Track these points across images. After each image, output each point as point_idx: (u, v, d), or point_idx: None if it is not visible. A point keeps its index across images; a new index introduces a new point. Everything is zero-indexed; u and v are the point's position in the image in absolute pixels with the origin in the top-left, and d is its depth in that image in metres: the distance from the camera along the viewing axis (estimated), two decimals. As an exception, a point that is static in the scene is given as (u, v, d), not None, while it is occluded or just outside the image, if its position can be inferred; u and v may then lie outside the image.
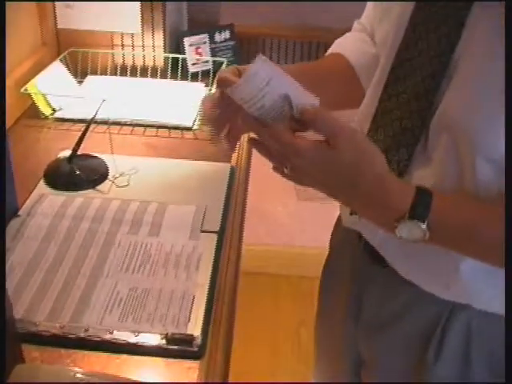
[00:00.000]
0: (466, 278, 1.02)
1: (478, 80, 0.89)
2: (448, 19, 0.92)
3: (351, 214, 1.11)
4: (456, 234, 0.92)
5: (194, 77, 1.94)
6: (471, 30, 0.90)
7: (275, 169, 0.94)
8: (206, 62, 1.98)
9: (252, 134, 0.94)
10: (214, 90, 1.75)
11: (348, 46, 1.25)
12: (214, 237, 1.23)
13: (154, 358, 0.99)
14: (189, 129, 1.66)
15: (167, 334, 0.99)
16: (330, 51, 1.28)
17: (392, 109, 1.01)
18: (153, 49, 1.93)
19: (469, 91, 0.91)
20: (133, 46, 1.93)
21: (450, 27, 0.92)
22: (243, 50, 2.21)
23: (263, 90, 0.88)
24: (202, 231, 1.24)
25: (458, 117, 0.92)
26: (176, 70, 1.92)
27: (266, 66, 0.88)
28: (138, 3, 1.86)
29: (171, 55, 1.92)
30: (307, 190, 1.11)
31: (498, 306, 1.02)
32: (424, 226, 0.89)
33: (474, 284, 1.03)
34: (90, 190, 1.36)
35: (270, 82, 0.87)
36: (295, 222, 2.83)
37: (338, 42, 1.29)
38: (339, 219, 1.33)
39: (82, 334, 1.00)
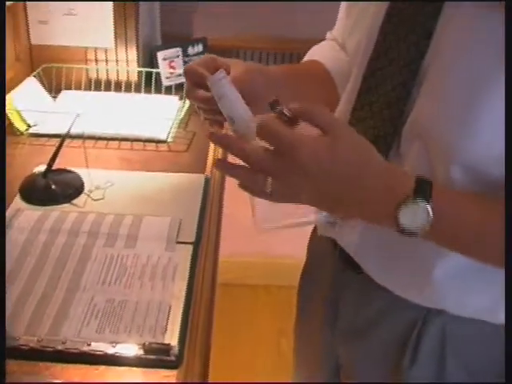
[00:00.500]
0: (439, 283, 1.03)
1: (447, 87, 0.91)
2: (416, 28, 0.94)
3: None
4: (460, 222, 0.88)
5: (168, 90, 1.96)
6: (440, 39, 0.91)
7: (244, 187, 0.88)
8: (180, 75, 1.99)
9: (218, 155, 0.94)
10: (187, 102, 1.77)
11: (323, 53, 1.27)
12: (190, 247, 1.25)
13: (132, 368, 0.99)
14: (163, 141, 1.68)
15: (144, 343, 1.00)
16: (306, 58, 1.30)
17: (365, 117, 1.02)
18: (126, 63, 1.95)
19: (438, 98, 0.92)
20: (106, 61, 1.94)
21: (418, 36, 0.94)
22: (216, 62, 2.23)
23: (219, 103, 0.91)
24: (178, 242, 1.26)
25: (428, 124, 0.93)
26: (150, 83, 1.94)
27: (218, 83, 0.91)
28: (111, 18, 1.87)
29: (145, 69, 1.94)
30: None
31: (472, 311, 1.04)
32: (429, 207, 0.84)
33: (447, 289, 1.03)
34: (65, 205, 1.37)
35: (220, 99, 0.91)
36: (273, 232, 2.84)
37: (312, 50, 1.31)
38: (315, 228, 1.35)
39: (60, 347, 1.00)
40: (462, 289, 1.03)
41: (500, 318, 1.04)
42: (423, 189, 0.85)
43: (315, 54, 1.29)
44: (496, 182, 0.89)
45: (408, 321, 1.10)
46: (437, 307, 1.07)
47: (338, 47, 1.26)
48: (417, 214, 0.85)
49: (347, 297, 1.20)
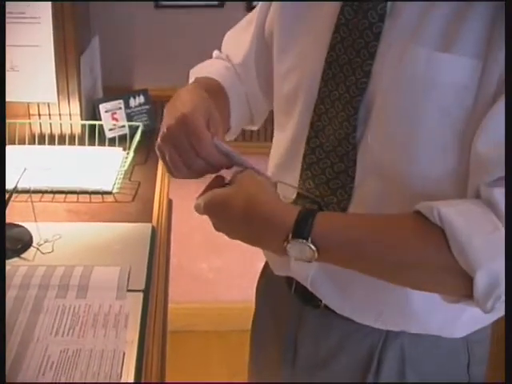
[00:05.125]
0: (399, 306, 1.07)
1: (387, 122, 0.99)
2: (356, 70, 1.01)
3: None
4: (343, 251, 0.94)
5: (112, 142, 1.97)
6: (378, 77, 0.99)
7: None
8: (123, 126, 2.03)
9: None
10: (131, 153, 1.80)
11: (224, 77, 1.26)
12: (140, 295, 1.27)
13: (89, 416, 1.01)
14: (109, 193, 1.70)
15: (100, 391, 1.02)
16: (199, 72, 1.28)
17: (319, 159, 1.07)
18: (69, 117, 1.97)
19: (384, 131, 0.99)
20: (50, 115, 1.96)
21: (357, 76, 1.01)
22: (158, 113, 2.27)
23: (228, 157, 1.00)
24: (128, 290, 1.28)
25: (377, 156, 1.01)
26: (93, 136, 1.96)
27: (221, 144, 0.99)
28: (53, 72, 1.89)
29: (88, 122, 1.96)
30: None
31: (430, 329, 1.10)
32: (309, 244, 0.91)
33: (406, 311, 1.08)
34: (15, 259, 1.38)
35: (227, 155, 1.00)
36: (220, 278, 2.87)
37: (206, 67, 1.32)
38: (264, 270, 1.38)
39: (16, 399, 1.02)
40: (422, 309, 1.07)
41: (455, 332, 1.10)
42: (302, 228, 0.92)
43: (211, 72, 1.27)
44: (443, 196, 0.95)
45: (368, 345, 1.14)
46: (396, 329, 1.11)
47: (233, 69, 1.30)
48: (302, 249, 0.92)
49: (306, 331, 1.23)
